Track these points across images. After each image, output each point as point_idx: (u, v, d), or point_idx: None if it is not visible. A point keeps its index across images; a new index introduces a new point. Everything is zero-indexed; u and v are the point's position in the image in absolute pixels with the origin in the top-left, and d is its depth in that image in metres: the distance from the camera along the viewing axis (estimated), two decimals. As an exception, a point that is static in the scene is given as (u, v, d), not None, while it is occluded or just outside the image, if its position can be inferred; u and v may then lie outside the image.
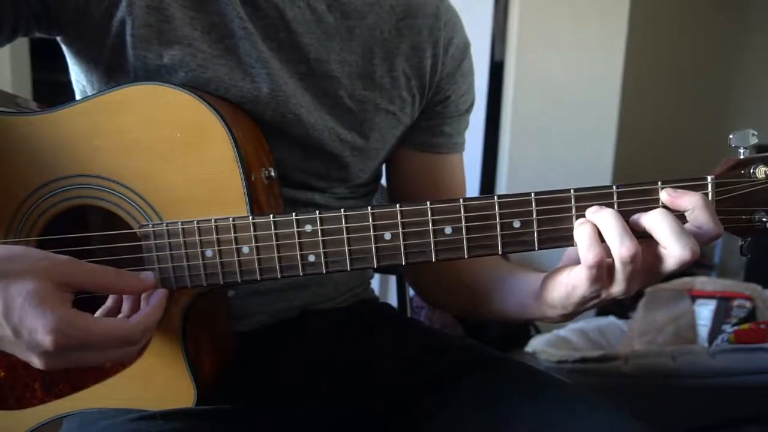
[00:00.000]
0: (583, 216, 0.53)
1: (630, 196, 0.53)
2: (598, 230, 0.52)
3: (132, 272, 0.56)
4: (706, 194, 0.53)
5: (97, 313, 0.58)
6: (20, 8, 0.60)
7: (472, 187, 2.44)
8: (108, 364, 0.61)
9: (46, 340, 0.47)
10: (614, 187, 0.53)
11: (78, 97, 0.71)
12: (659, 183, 0.53)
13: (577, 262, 0.55)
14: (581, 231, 0.52)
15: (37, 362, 0.49)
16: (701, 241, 0.52)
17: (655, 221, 0.51)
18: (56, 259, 0.50)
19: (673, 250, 0.50)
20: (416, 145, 0.79)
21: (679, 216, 0.52)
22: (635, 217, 0.53)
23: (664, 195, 0.53)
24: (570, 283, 0.55)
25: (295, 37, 0.66)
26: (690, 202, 0.52)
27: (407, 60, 0.73)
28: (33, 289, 0.47)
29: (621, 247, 0.50)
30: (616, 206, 0.53)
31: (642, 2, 2.62)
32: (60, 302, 0.48)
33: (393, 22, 0.71)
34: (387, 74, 0.72)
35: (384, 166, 0.83)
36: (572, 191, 0.53)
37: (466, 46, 0.79)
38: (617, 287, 0.53)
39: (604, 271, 0.52)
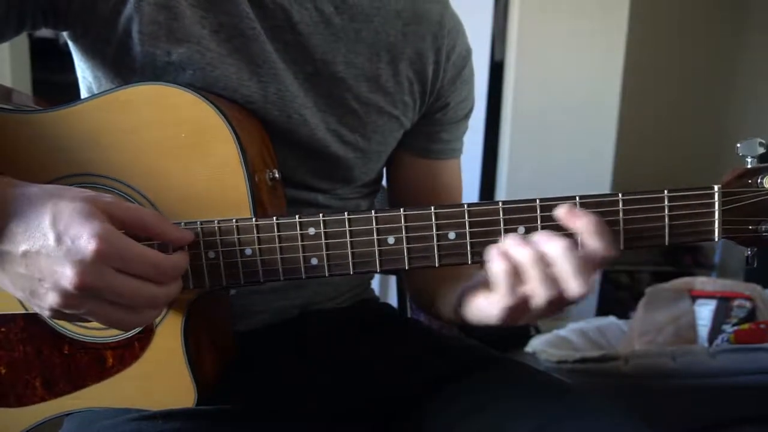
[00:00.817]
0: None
1: (635, 204, 0.53)
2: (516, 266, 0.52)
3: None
4: (713, 211, 0.53)
5: None
6: (27, 3, 0.60)
7: (472, 188, 2.44)
8: (108, 361, 0.60)
9: (90, 244, 0.47)
10: (620, 195, 0.53)
11: (84, 93, 0.71)
12: (665, 192, 0.53)
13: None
14: (499, 270, 0.52)
15: (69, 274, 0.47)
16: (594, 263, 0.51)
17: (558, 256, 0.51)
18: (100, 194, 0.52)
19: (572, 288, 0.51)
20: (414, 150, 0.79)
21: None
22: (545, 237, 0.52)
23: (559, 212, 0.52)
24: (484, 312, 0.57)
25: (302, 38, 0.67)
26: (580, 225, 0.52)
27: (411, 65, 0.73)
28: (82, 206, 0.48)
29: (577, 288, 0.51)
30: (621, 214, 0.53)
31: (642, 2, 2.62)
32: (105, 219, 0.49)
33: (399, 26, 0.72)
34: (392, 78, 0.72)
35: (384, 169, 0.83)
36: (577, 198, 0.53)
37: (467, 53, 0.79)
38: (527, 318, 0.55)
39: (519, 307, 0.53)
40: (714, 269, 3.13)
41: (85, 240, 0.47)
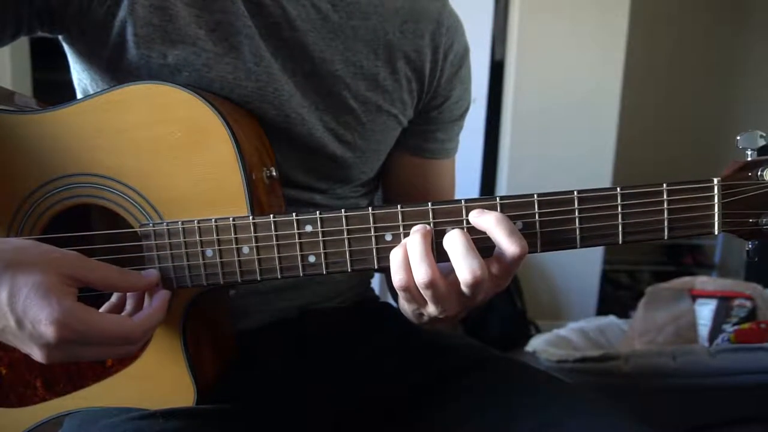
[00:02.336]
0: (584, 216, 0.53)
1: (633, 198, 0.52)
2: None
3: (135, 271, 0.56)
4: (712, 204, 0.52)
5: (102, 309, 0.58)
6: (23, 7, 0.60)
7: (473, 187, 2.44)
8: (108, 361, 0.61)
9: (48, 331, 0.47)
10: (618, 189, 0.52)
11: (79, 95, 0.71)
12: (664, 185, 0.52)
13: None
14: (393, 255, 0.53)
15: (38, 354, 0.49)
16: (505, 262, 0.52)
17: (447, 242, 0.52)
18: (64, 253, 0.51)
19: (460, 273, 0.51)
20: (409, 149, 0.79)
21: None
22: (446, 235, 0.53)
23: (471, 215, 0.53)
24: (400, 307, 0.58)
25: (300, 36, 0.66)
26: (485, 222, 0.52)
27: (409, 63, 0.73)
28: (39, 280, 0.48)
29: (416, 274, 0.52)
30: (620, 208, 0.53)
31: (642, 2, 2.62)
32: (65, 295, 0.48)
33: (397, 24, 0.71)
34: (390, 76, 0.72)
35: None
36: (575, 193, 0.53)
37: (465, 52, 0.79)
38: (431, 308, 0.54)
39: (413, 293, 0.54)
40: (714, 269, 3.14)
41: (44, 325, 0.47)
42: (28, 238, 0.60)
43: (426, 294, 0.53)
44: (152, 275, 0.56)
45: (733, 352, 1.43)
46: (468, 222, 0.53)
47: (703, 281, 1.81)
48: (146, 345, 0.60)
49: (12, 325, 0.48)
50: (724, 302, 1.70)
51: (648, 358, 1.47)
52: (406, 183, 0.81)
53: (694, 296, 1.75)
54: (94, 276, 0.52)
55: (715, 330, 1.65)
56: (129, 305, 0.58)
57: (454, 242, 0.52)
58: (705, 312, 1.71)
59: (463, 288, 0.52)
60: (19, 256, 0.49)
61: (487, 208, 0.53)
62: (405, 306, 0.57)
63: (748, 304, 1.69)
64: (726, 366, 1.41)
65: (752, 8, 3.21)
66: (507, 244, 0.51)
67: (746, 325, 1.56)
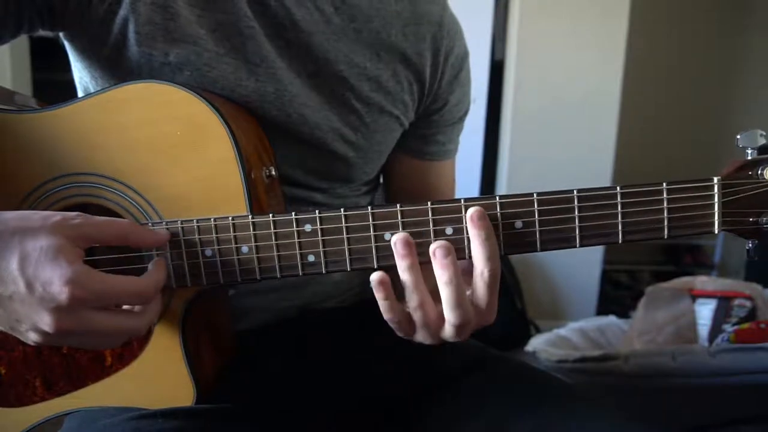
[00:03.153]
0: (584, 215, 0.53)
1: (633, 197, 0.52)
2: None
3: (146, 227, 0.55)
4: (712, 203, 0.52)
5: None
6: (24, 5, 0.60)
7: (472, 187, 2.44)
8: (108, 360, 0.61)
9: (62, 291, 0.46)
10: (618, 188, 0.52)
11: (80, 94, 0.71)
12: (664, 184, 0.52)
13: None
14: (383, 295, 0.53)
15: (47, 320, 0.47)
16: (478, 284, 0.53)
17: (440, 283, 0.52)
18: (68, 214, 0.50)
19: (448, 318, 0.53)
20: (410, 152, 0.79)
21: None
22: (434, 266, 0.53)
23: (470, 212, 0.53)
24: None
25: (304, 37, 0.66)
26: (473, 231, 0.52)
27: (410, 65, 0.73)
28: (48, 244, 0.47)
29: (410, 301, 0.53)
30: (619, 207, 0.52)
31: (642, 2, 2.62)
32: (75, 256, 0.48)
33: (399, 27, 0.72)
34: (392, 78, 0.72)
35: None
36: (575, 192, 0.53)
37: (465, 54, 0.79)
38: (422, 337, 0.56)
39: (402, 326, 0.55)
40: (714, 269, 3.13)
41: (58, 287, 0.46)
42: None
43: (416, 316, 0.54)
44: (163, 233, 0.56)
45: (733, 352, 1.43)
46: (465, 220, 0.53)
47: (703, 281, 1.81)
48: (143, 342, 0.59)
49: (22, 290, 0.46)
50: (724, 302, 1.70)
51: (648, 358, 1.47)
52: (406, 183, 0.81)
53: (694, 296, 1.75)
54: (103, 231, 0.51)
55: (715, 330, 1.65)
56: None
57: (444, 290, 0.52)
58: (705, 312, 1.71)
59: (447, 327, 0.54)
60: (24, 222, 0.48)
61: (486, 208, 0.53)
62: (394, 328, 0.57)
63: (748, 304, 1.69)
64: (726, 366, 1.41)
65: (752, 8, 3.21)
66: (482, 266, 0.52)
67: (746, 325, 1.56)
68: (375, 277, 0.52)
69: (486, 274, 0.53)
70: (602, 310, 2.53)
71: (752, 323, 1.57)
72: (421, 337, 0.56)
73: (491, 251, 0.52)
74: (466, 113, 0.82)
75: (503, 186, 2.50)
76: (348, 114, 0.70)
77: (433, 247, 0.52)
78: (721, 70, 3.28)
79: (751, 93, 3.27)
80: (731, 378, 1.40)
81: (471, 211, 0.52)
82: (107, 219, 0.52)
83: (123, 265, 0.58)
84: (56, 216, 0.49)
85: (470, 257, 0.54)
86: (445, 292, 0.52)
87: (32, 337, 0.49)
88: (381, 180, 0.86)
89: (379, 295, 0.53)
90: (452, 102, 0.78)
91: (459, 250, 0.54)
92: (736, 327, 1.57)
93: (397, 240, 0.53)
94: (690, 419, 1.48)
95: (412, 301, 0.53)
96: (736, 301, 1.69)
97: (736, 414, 1.48)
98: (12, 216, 0.48)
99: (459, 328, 0.53)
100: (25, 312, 0.48)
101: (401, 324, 0.55)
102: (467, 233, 0.53)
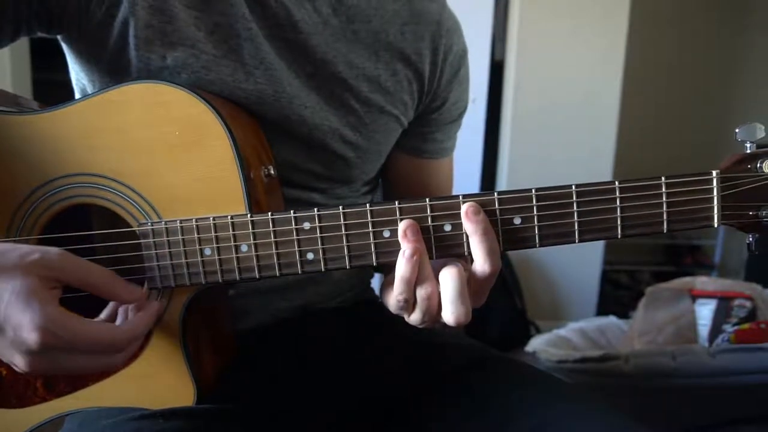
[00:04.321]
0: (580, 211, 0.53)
1: (632, 192, 0.52)
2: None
3: (125, 281, 0.54)
4: (711, 197, 0.53)
5: (100, 317, 0.57)
6: (21, 8, 0.60)
7: (473, 187, 2.44)
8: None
9: (31, 337, 0.46)
10: (616, 182, 0.52)
11: (78, 95, 0.71)
12: (663, 179, 0.52)
13: None
14: (403, 273, 0.54)
15: (20, 362, 0.48)
16: (477, 278, 0.53)
17: (443, 279, 0.53)
18: (46, 252, 0.49)
19: (445, 313, 0.53)
20: (408, 150, 0.79)
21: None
22: (439, 262, 0.54)
23: (463, 208, 0.53)
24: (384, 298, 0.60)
25: (303, 37, 0.66)
26: (472, 230, 0.53)
27: (409, 65, 0.73)
28: (21, 285, 0.46)
29: (449, 315, 0.53)
30: (618, 202, 0.52)
31: (642, 2, 2.62)
32: (48, 299, 0.47)
33: (398, 26, 0.72)
34: (391, 78, 0.72)
35: None
36: (573, 187, 0.53)
37: (464, 53, 0.79)
38: (415, 316, 0.56)
39: (407, 307, 0.55)
40: (714, 269, 3.13)
41: (27, 332, 0.46)
42: (25, 239, 0.60)
43: (421, 304, 0.54)
44: (138, 290, 0.55)
45: (733, 352, 1.43)
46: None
47: (703, 281, 1.81)
48: (144, 342, 0.59)
49: None
50: (724, 302, 1.70)
51: (648, 358, 1.47)
52: (405, 181, 0.81)
53: (694, 296, 1.75)
54: (78, 276, 0.50)
55: (715, 330, 1.65)
56: (119, 319, 0.57)
57: (448, 284, 0.53)
58: (705, 312, 1.71)
59: (446, 317, 0.54)
60: (0, 256, 0.47)
61: (484, 204, 0.53)
62: (391, 308, 0.58)
63: (748, 304, 1.69)
64: (726, 366, 1.41)
65: (752, 8, 3.21)
66: (482, 261, 0.53)
67: (746, 325, 1.56)
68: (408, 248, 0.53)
69: (487, 269, 0.53)
70: (602, 310, 2.53)
71: (752, 323, 1.58)
72: (416, 319, 0.56)
73: (490, 246, 0.52)
74: (464, 111, 0.82)
75: (503, 186, 2.50)
76: (347, 114, 0.70)
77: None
78: (721, 70, 3.28)
79: (751, 93, 3.27)
80: (731, 378, 1.41)
81: (465, 207, 0.53)
82: (85, 264, 0.51)
83: (120, 265, 0.58)
84: (34, 254, 0.48)
85: (469, 254, 0.54)
86: (449, 285, 0.53)
87: (15, 367, 0.49)
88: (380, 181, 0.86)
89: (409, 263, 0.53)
90: (451, 100, 0.78)
91: (458, 246, 0.54)
92: (736, 327, 1.57)
93: (407, 227, 0.53)
94: (690, 419, 1.48)
95: (422, 290, 0.54)
96: (736, 302, 1.69)
97: (736, 414, 1.48)
98: None
99: (457, 318, 0.53)
100: (1, 349, 0.48)
101: (408, 303, 0.55)
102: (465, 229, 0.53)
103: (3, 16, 0.59)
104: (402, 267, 0.54)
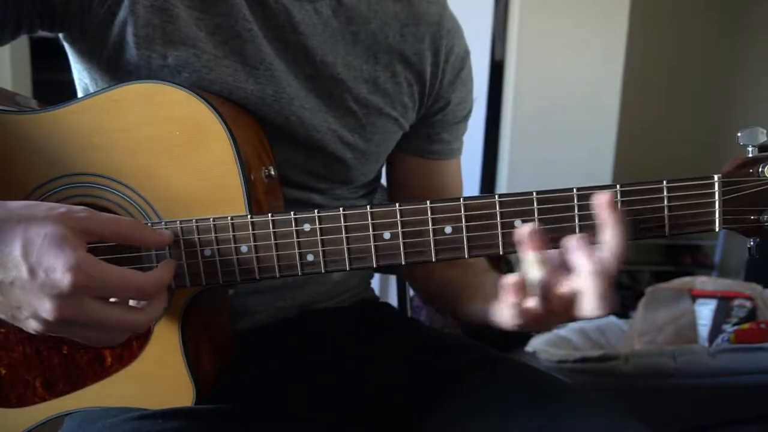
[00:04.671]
0: (589, 215, 0.52)
1: (633, 195, 0.52)
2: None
3: (151, 227, 0.55)
4: (713, 201, 0.52)
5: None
6: (23, 6, 0.60)
7: (472, 187, 2.44)
8: (107, 360, 0.60)
9: (65, 278, 0.46)
10: (618, 186, 0.52)
11: (80, 94, 0.71)
12: (664, 182, 0.52)
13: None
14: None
15: (47, 307, 0.47)
16: (603, 269, 0.50)
17: (585, 283, 0.50)
18: (74, 207, 0.50)
19: (587, 310, 0.50)
20: (415, 152, 0.80)
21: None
22: (572, 254, 0.52)
23: (601, 198, 0.51)
24: (496, 315, 0.56)
25: (303, 38, 0.67)
26: (616, 220, 0.50)
27: (410, 66, 0.73)
28: (53, 231, 0.47)
29: (597, 311, 0.50)
30: (619, 205, 0.52)
31: (642, 2, 2.62)
32: (78, 245, 0.48)
33: (397, 28, 0.72)
34: (390, 79, 0.72)
35: (384, 169, 0.83)
36: (575, 189, 0.52)
37: (466, 54, 0.79)
38: (543, 323, 0.54)
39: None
40: (714, 269, 3.14)
41: (60, 273, 0.46)
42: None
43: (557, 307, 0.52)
44: (166, 234, 0.55)
45: (733, 352, 1.43)
46: (464, 219, 0.53)
47: (703, 281, 1.81)
48: (143, 342, 0.59)
49: (24, 275, 0.46)
50: (724, 302, 1.70)
51: (648, 358, 1.47)
52: (414, 185, 0.81)
53: (694, 296, 1.75)
54: (106, 228, 0.51)
55: (715, 330, 1.65)
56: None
57: (591, 284, 0.50)
58: (705, 312, 1.71)
59: (586, 316, 0.51)
60: (29, 210, 0.48)
61: (485, 207, 0.53)
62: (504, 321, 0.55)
63: (748, 304, 1.69)
64: (726, 366, 1.41)
65: (752, 8, 3.21)
66: (623, 248, 0.50)
67: (746, 326, 1.56)
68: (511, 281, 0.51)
69: (622, 256, 0.50)
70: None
71: (752, 323, 1.57)
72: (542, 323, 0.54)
73: (625, 237, 0.50)
74: (469, 112, 0.82)
75: (503, 186, 2.50)
76: (346, 116, 0.71)
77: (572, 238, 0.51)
78: (721, 70, 3.28)
79: (751, 92, 3.27)
80: (731, 378, 1.40)
81: (604, 197, 0.50)
82: (112, 216, 0.52)
83: (121, 266, 0.58)
84: (62, 207, 0.49)
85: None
86: (594, 283, 0.50)
87: (32, 325, 0.49)
88: (385, 184, 0.86)
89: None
90: (455, 101, 0.78)
91: (458, 249, 0.54)
92: (736, 327, 1.57)
93: (531, 229, 0.51)
94: (690, 419, 1.48)
95: (564, 287, 0.51)
96: (736, 302, 1.69)
97: (736, 414, 1.48)
98: (17, 205, 0.48)
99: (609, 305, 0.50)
100: (26, 298, 0.47)
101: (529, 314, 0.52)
102: (466, 232, 0.53)
103: (5, 14, 0.59)
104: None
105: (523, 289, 0.51)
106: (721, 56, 3.25)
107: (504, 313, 0.54)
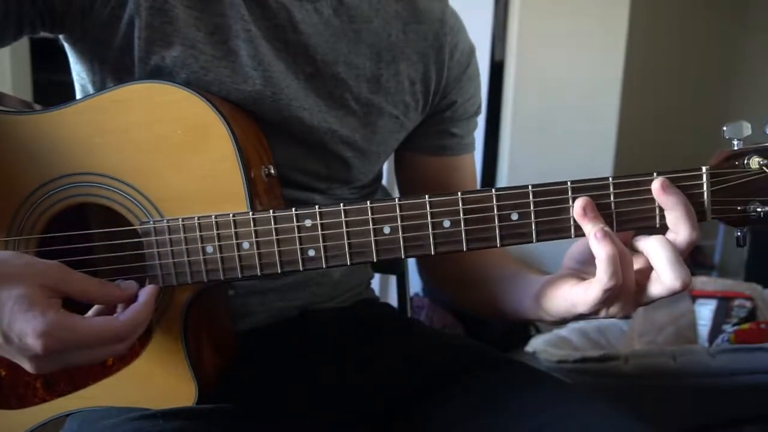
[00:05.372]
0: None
1: (625, 188, 0.53)
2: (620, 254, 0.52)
3: (114, 282, 0.56)
4: (701, 192, 0.53)
5: (90, 312, 0.57)
6: (25, 7, 0.60)
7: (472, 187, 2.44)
8: (108, 360, 0.61)
9: (36, 344, 0.47)
10: (610, 179, 0.53)
11: (78, 95, 0.71)
12: (655, 174, 0.53)
13: (581, 261, 0.57)
14: (607, 253, 0.51)
15: (28, 366, 0.49)
16: (678, 247, 0.52)
17: (653, 248, 0.52)
18: (45, 264, 0.51)
19: (666, 279, 0.51)
20: (427, 151, 0.79)
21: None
22: (635, 240, 0.54)
23: (656, 184, 0.52)
24: (570, 299, 0.57)
25: (303, 38, 0.67)
26: (674, 202, 0.52)
27: (412, 65, 0.73)
28: (22, 294, 0.48)
29: (675, 279, 0.51)
30: (612, 197, 0.53)
31: (642, 2, 2.62)
32: (48, 306, 0.49)
33: (399, 26, 0.72)
34: (392, 78, 0.72)
35: (387, 169, 0.83)
36: (569, 183, 0.54)
37: (471, 50, 0.79)
38: (617, 309, 0.55)
39: (615, 295, 0.53)
40: (714, 269, 3.13)
41: (32, 339, 0.47)
42: (27, 238, 0.60)
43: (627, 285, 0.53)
44: (131, 286, 0.56)
45: (733, 353, 1.43)
46: (462, 213, 0.54)
47: (703, 281, 1.81)
48: (145, 341, 0.59)
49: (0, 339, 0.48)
50: (724, 302, 1.70)
51: (648, 358, 1.47)
52: (429, 184, 0.81)
53: (694, 296, 1.75)
54: (75, 288, 0.52)
55: (715, 330, 1.65)
56: (120, 307, 0.58)
57: (662, 249, 0.51)
58: (705, 312, 1.71)
59: (662, 293, 0.52)
60: (2, 269, 0.49)
61: (482, 201, 0.54)
62: (584, 308, 0.55)
63: (748, 304, 1.69)
64: (726, 366, 1.41)
65: (752, 8, 3.21)
66: (690, 229, 0.51)
67: (746, 326, 1.56)
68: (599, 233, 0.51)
69: (695, 236, 0.52)
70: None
71: (752, 323, 1.58)
72: (614, 310, 0.55)
73: (694, 214, 0.52)
74: (479, 108, 0.82)
75: (503, 185, 2.50)
76: (346, 115, 0.70)
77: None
78: (721, 70, 3.28)
79: (751, 93, 3.26)
80: (731, 378, 1.41)
81: (659, 182, 0.52)
82: (83, 277, 0.53)
83: (122, 264, 0.58)
84: (33, 265, 0.50)
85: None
86: (666, 253, 0.51)
87: (27, 368, 0.51)
88: (385, 184, 0.86)
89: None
90: (463, 97, 0.78)
91: (456, 242, 0.55)
92: (736, 327, 1.57)
93: (584, 204, 0.52)
94: (690, 419, 1.48)
95: (638, 263, 0.53)
96: (736, 302, 1.69)
97: (736, 414, 1.48)
98: None
99: (683, 280, 0.51)
100: (9, 357, 0.50)
101: (616, 288, 0.52)
102: (464, 225, 0.54)
103: (6, 15, 0.59)
104: (603, 248, 0.51)
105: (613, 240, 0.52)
106: (721, 56, 3.25)
107: (591, 290, 0.53)
